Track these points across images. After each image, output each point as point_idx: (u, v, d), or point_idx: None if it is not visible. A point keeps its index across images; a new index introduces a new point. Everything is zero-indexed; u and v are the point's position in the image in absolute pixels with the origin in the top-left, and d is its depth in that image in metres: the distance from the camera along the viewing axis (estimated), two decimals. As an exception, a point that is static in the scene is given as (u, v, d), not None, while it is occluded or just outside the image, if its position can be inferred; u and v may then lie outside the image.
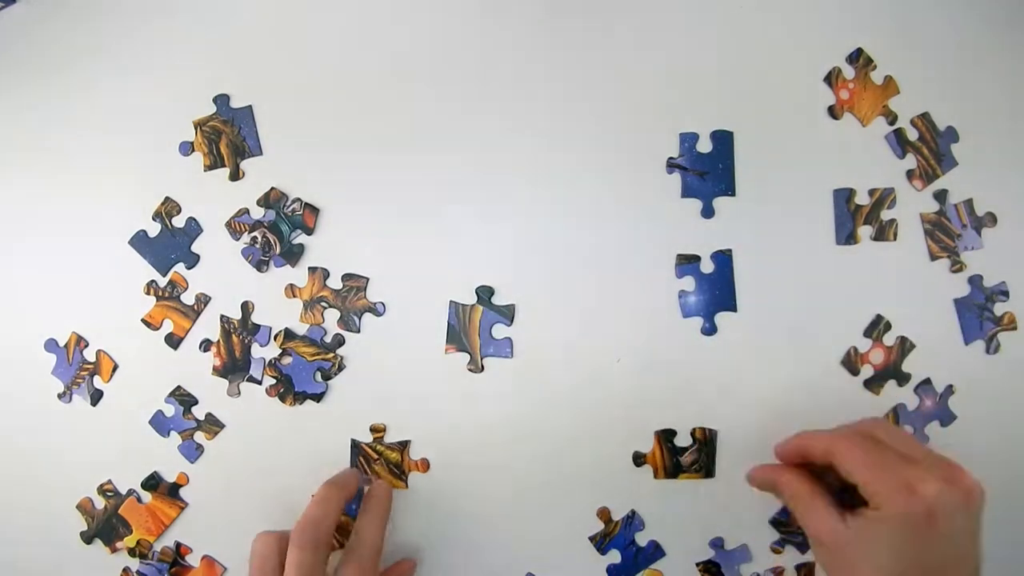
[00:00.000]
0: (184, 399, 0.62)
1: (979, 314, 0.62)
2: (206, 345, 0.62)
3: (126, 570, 0.63)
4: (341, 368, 0.62)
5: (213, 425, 0.62)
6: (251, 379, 0.62)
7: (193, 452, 0.62)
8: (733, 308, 0.61)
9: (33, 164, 0.64)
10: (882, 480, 0.46)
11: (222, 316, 0.62)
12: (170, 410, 0.63)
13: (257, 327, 0.62)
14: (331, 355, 0.62)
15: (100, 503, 0.63)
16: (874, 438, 0.50)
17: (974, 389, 0.62)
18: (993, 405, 0.62)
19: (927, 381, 0.62)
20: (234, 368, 0.62)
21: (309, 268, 0.62)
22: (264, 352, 0.62)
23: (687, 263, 0.61)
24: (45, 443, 0.64)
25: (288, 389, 0.62)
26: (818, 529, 0.49)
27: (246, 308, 0.62)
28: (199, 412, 0.62)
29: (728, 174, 0.62)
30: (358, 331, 0.62)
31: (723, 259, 0.61)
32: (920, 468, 0.47)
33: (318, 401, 0.62)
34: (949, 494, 0.46)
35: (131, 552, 0.63)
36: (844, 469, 0.49)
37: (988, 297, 0.62)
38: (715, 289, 0.61)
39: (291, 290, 0.62)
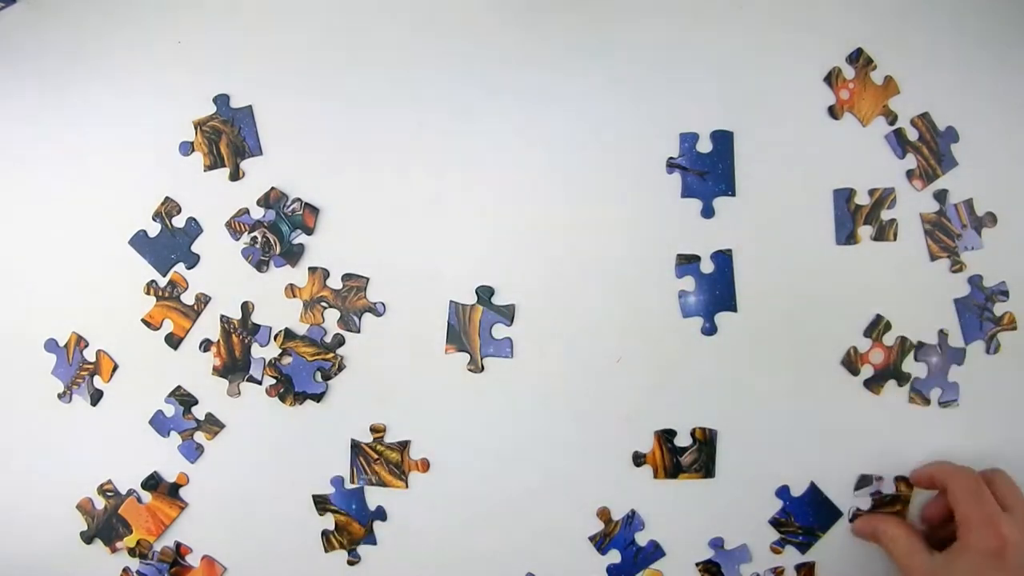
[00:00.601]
0: (184, 399, 0.62)
1: (979, 314, 0.62)
2: (206, 345, 0.62)
3: (126, 570, 0.63)
4: (341, 368, 0.62)
5: (213, 425, 0.62)
6: (251, 379, 0.62)
7: (193, 452, 0.62)
8: (733, 308, 0.61)
9: (33, 164, 0.64)
10: (974, 512, 0.53)
11: (222, 316, 0.62)
12: (170, 410, 0.63)
13: (257, 327, 0.62)
14: (331, 355, 0.62)
15: (100, 503, 0.63)
16: (987, 480, 0.56)
17: (974, 389, 0.62)
18: (993, 405, 0.62)
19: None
20: (234, 368, 0.62)
21: (309, 268, 0.62)
22: (264, 352, 0.62)
23: (687, 263, 0.61)
24: (45, 443, 0.64)
25: (288, 389, 0.62)
26: (911, 563, 0.55)
27: (246, 308, 0.62)
28: (199, 412, 0.62)
29: (728, 174, 0.62)
30: (358, 331, 0.62)
31: (723, 259, 0.61)
32: (1011, 515, 0.53)
33: (318, 401, 0.62)
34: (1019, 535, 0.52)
35: (131, 552, 0.63)
36: (952, 496, 0.55)
37: (988, 297, 0.62)
38: (715, 289, 0.61)
39: (291, 290, 0.62)
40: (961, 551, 0.53)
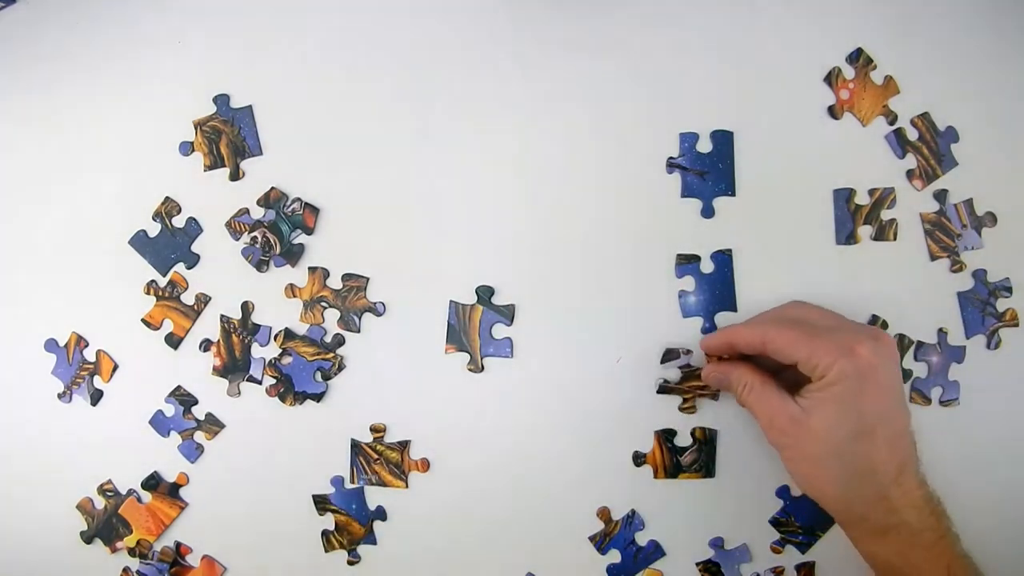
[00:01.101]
0: (184, 399, 0.62)
1: (982, 308, 0.62)
2: (206, 345, 0.62)
3: (126, 570, 0.63)
4: (341, 368, 0.62)
5: (213, 425, 0.62)
6: (251, 379, 0.62)
7: (193, 452, 0.62)
8: (733, 308, 0.61)
9: (33, 164, 0.64)
10: (823, 350, 0.50)
11: (222, 316, 0.62)
12: (170, 410, 0.63)
13: (257, 327, 0.62)
14: (331, 355, 0.62)
15: (100, 503, 0.63)
16: (796, 319, 0.54)
17: (974, 384, 0.62)
18: (993, 400, 0.62)
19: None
20: (234, 368, 0.62)
21: (309, 268, 0.62)
22: (264, 352, 0.62)
23: (687, 263, 0.61)
24: (45, 443, 0.63)
25: (288, 389, 0.62)
26: (773, 411, 0.53)
27: (246, 308, 0.62)
28: (199, 412, 0.62)
29: (728, 174, 0.62)
30: (358, 331, 0.62)
31: (723, 259, 0.61)
32: (848, 332, 0.51)
33: (318, 401, 0.62)
34: (881, 347, 0.50)
35: (131, 552, 0.63)
36: (781, 352, 0.52)
37: (991, 292, 0.62)
38: (715, 289, 0.61)
39: (291, 290, 0.62)
40: (830, 385, 0.49)
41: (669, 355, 0.60)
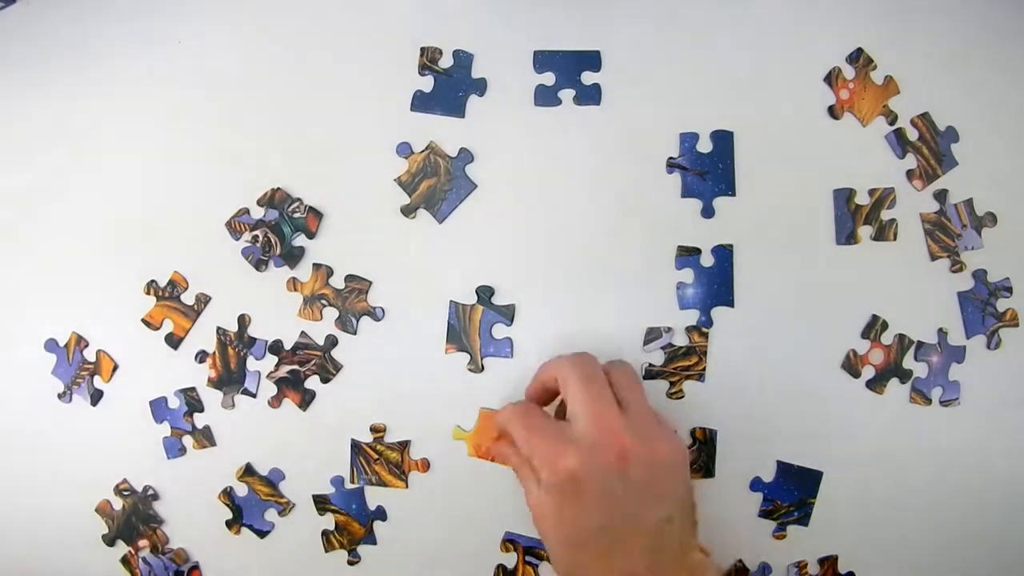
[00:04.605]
0: (192, 401, 0.62)
1: (982, 308, 0.62)
2: (202, 356, 0.62)
3: (132, 553, 0.63)
4: (338, 369, 0.62)
5: (205, 439, 0.62)
6: (246, 391, 0.62)
7: (175, 451, 0.62)
8: (730, 304, 0.61)
9: (32, 164, 0.64)
10: (538, 454, 0.48)
11: (218, 328, 0.62)
12: (175, 402, 0.62)
13: (253, 340, 0.62)
14: (327, 356, 0.62)
15: (118, 504, 0.63)
16: (606, 371, 0.51)
17: (974, 384, 0.62)
18: (993, 400, 0.62)
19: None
20: (229, 380, 0.62)
21: (314, 264, 0.62)
22: (259, 365, 0.62)
23: (687, 255, 0.61)
24: (45, 443, 0.63)
25: (286, 394, 0.62)
26: (527, 499, 0.50)
27: (242, 321, 0.62)
28: (199, 420, 0.62)
29: (728, 174, 0.62)
30: (354, 333, 0.62)
31: (724, 253, 0.61)
32: (627, 415, 0.48)
33: (317, 402, 0.62)
34: (594, 462, 0.46)
35: (153, 550, 0.63)
36: (562, 386, 0.51)
37: (992, 292, 0.62)
38: (714, 283, 0.61)
39: (293, 283, 0.62)
40: (544, 490, 0.47)
41: (651, 334, 0.60)
